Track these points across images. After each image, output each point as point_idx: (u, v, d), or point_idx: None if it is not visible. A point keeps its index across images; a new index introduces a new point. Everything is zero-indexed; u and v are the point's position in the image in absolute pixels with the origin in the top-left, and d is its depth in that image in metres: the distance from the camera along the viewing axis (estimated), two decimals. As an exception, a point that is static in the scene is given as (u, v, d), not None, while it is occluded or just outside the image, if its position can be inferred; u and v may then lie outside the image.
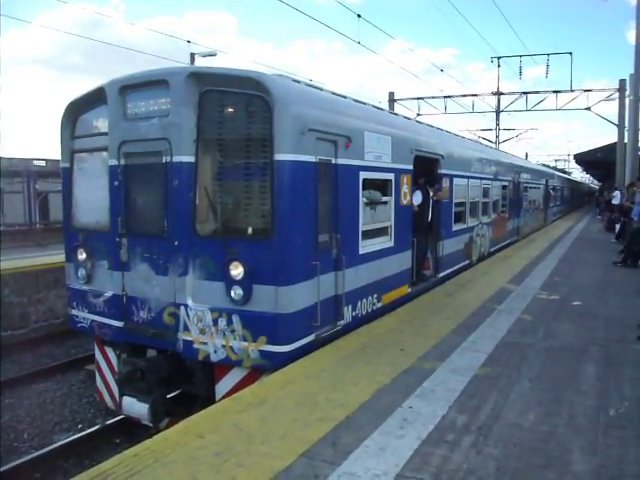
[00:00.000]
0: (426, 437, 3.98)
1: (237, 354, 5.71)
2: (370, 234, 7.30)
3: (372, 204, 7.37)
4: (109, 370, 7.12)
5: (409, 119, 11.06)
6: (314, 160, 5.92)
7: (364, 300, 7.12)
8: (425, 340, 6.44)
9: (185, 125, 5.90)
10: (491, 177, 14.45)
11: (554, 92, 29.83)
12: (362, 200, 7.01)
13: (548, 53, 30.17)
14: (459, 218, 11.65)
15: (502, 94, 32.85)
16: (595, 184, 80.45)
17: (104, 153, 6.61)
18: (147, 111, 6.18)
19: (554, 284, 10.45)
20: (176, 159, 5.95)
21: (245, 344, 5.65)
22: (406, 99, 32.65)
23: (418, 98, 32.09)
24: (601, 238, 20.36)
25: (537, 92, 30.83)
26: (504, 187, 16.23)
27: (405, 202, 8.38)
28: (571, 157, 68.25)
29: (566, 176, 50.63)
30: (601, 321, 7.70)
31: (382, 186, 7.72)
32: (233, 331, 5.69)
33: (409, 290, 8.73)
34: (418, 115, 30.29)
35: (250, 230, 5.82)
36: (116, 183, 6.42)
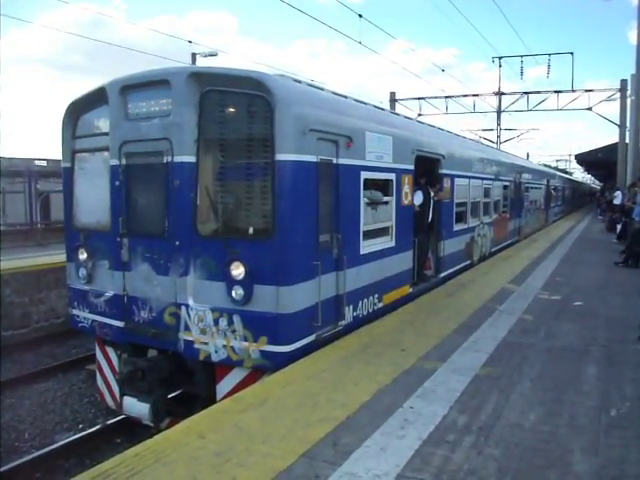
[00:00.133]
0: (427, 437, 3.98)
1: (238, 354, 5.71)
2: (371, 234, 7.30)
3: (373, 204, 7.36)
4: (110, 370, 7.12)
5: (410, 119, 11.06)
6: (315, 160, 5.92)
7: (365, 300, 7.12)
8: (426, 340, 6.43)
9: (186, 125, 5.90)
10: (492, 177, 14.43)
11: (555, 92, 29.79)
12: (363, 200, 7.01)
13: (549, 53, 30.21)
14: (460, 218, 11.64)
15: (503, 94, 32.85)
16: (596, 184, 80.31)
17: (105, 153, 6.62)
18: (148, 111, 6.19)
19: (555, 284, 10.44)
20: (177, 159, 5.95)
21: (246, 344, 5.65)
22: (407, 99, 32.64)
23: (419, 98, 32.06)
24: (602, 238, 20.33)
25: (538, 92, 30.78)
26: (505, 187, 16.21)
27: (406, 202, 8.37)
28: (572, 157, 68.36)
29: (567, 176, 50.59)
30: (602, 321, 7.69)
31: (383, 186, 7.72)
32: (234, 331, 5.69)
33: (410, 290, 8.73)
34: (419, 115, 30.26)
35: (251, 230, 5.82)
36: (117, 183, 6.43)
